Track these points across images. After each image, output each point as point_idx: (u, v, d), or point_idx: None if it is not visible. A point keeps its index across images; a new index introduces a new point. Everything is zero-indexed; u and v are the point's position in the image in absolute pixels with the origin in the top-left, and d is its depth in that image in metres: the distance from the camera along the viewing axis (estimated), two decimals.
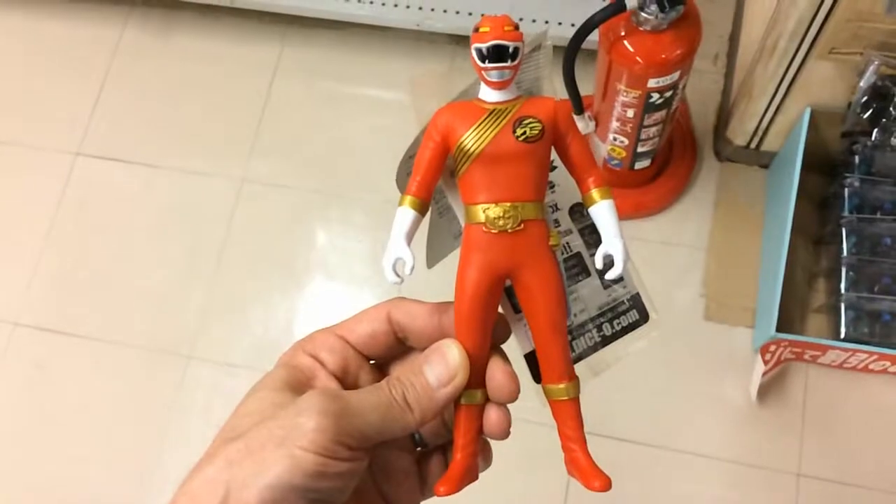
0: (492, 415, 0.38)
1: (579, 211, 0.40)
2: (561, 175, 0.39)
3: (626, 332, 0.42)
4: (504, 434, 0.38)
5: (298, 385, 0.36)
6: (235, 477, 0.31)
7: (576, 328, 0.41)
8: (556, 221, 0.41)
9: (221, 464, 0.32)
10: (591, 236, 0.39)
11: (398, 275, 0.37)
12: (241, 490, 0.31)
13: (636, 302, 0.42)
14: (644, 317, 0.43)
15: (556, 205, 0.41)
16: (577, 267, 0.41)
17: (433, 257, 0.40)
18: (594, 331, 0.42)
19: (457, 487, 0.37)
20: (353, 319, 0.40)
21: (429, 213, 0.40)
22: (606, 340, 0.42)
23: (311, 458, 0.31)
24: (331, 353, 0.38)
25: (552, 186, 0.40)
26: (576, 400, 0.38)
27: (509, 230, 0.35)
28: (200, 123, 1.39)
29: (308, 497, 0.31)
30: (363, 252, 1.27)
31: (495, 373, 0.37)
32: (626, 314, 0.42)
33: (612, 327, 0.42)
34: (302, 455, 0.31)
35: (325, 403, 0.33)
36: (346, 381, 0.38)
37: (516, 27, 0.35)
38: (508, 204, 0.35)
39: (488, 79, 0.36)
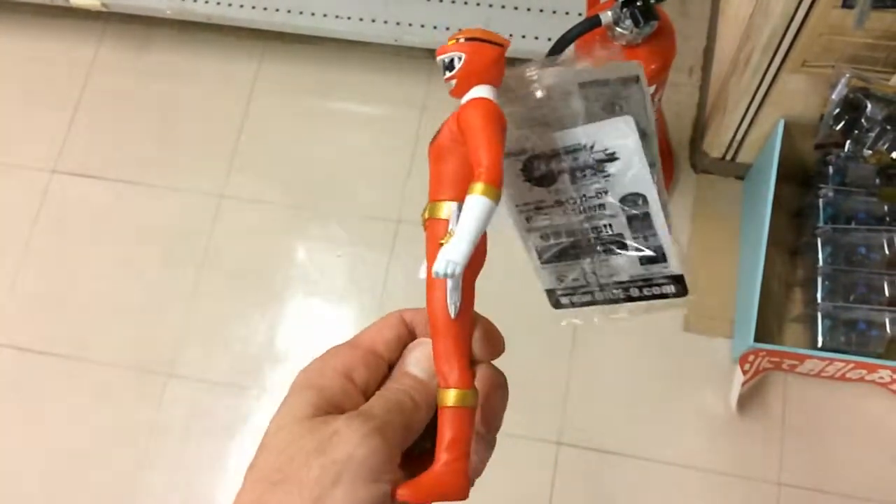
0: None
1: (632, 200, 0.41)
2: (616, 166, 0.39)
3: (655, 299, 0.43)
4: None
5: (329, 407, 0.34)
6: None
7: (599, 288, 0.44)
8: (603, 206, 0.41)
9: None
10: (636, 223, 0.40)
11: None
12: None
13: (676, 280, 0.44)
14: (681, 292, 0.43)
15: (605, 191, 0.41)
16: (617, 244, 0.42)
17: None
18: (619, 291, 0.43)
19: (422, 497, 0.33)
20: (372, 330, 0.38)
21: None
22: (631, 300, 0.43)
23: (373, 488, 0.31)
24: (364, 368, 0.37)
25: (607, 175, 0.40)
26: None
27: (424, 229, 0.36)
28: (178, 140, 1.39)
29: None
30: (343, 267, 1.27)
31: (476, 330, 0.37)
32: (661, 287, 0.44)
33: (641, 292, 0.43)
34: (367, 486, 0.31)
35: (365, 426, 0.32)
36: (372, 391, 0.37)
37: (471, 38, 0.36)
38: (427, 203, 0.36)
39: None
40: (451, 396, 0.34)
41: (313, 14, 1.31)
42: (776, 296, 1.17)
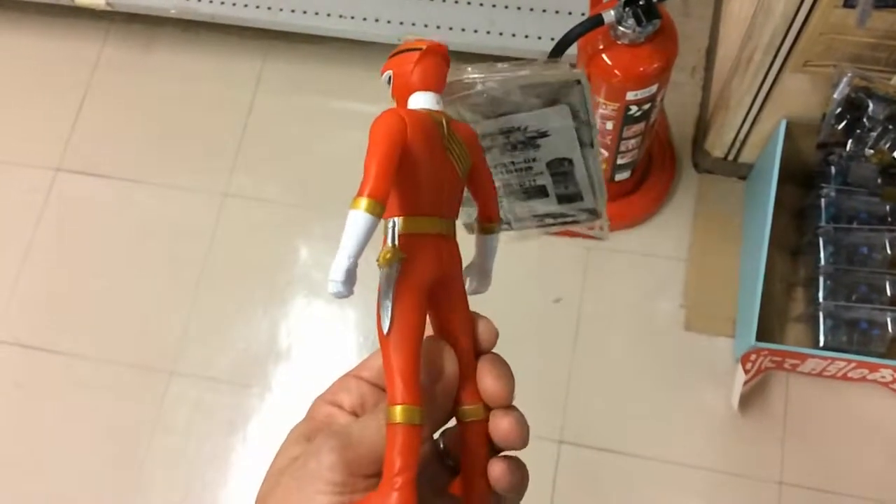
0: (501, 421, 0.35)
1: (558, 162, 0.47)
2: (546, 140, 0.44)
3: (567, 224, 0.51)
4: (517, 438, 0.35)
5: (317, 433, 0.36)
6: None
7: (515, 219, 0.51)
8: (530, 168, 0.48)
9: None
10: (560, 177, 0.48)
11: None
12: None
13: (590, 211, 0.51)
14: (591, 218, 0.51)
15: (534, 158, 0.47)
16: (539, 192, 0.50)
17: None
18: (533, 221, 0.51)
19: None
20: (368, 358, 0.40)
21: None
22: (545, 226, 0.52)
23: (327, 500, 0.32)
24: (347, 393, 0.38)
25: (537, 147, 0.46)
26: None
27: None
28: (182, 138, 1.39)
29: None
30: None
31: (485, 378, 0.36)
32: (574, 216, 0.51)
33: (555, 221, 0.51)
34: (320, 498, 0.32)
35: (329, 442, 0.33)
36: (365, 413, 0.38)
37: (394, 53, 0.38)
38: None
39: None
40: (394, 413, 0.33)
41: (317, 13, 1.31)
42: (778, 295, 1.17)
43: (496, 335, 0.37)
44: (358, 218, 0.31)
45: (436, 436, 0.38)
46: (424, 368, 0.35)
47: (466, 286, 0.38)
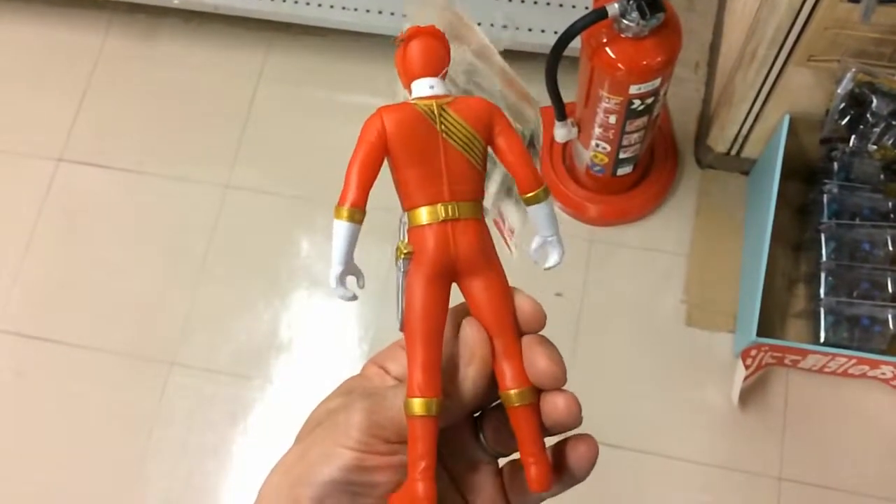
0: (557, 399, 0.35)
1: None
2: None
3: None
4: (575, 418, 0.35)
5: (359, 390, 0.38)
6: (293, 478, 0.34)
7: None
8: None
9: (283, 468, 0.35)
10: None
11: None
12: (298, 488, 0.34)
13: None
14: None
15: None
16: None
17: None
18: None
19: None
20: None
21: None
22: None
23: (348, 454, 0.33)
24: (394, 363, 0.39)
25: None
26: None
27: None
28: (184, 130, 1.39)
29: (351, 490, 0.34)
30: None
31: (537, 357, 0.36)
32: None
33: None
34: (341, 451, 0.34)
35: (361, 402, 0.35)
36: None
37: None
38: None
39: None
40: (412, 406, 0.33)
41: (320, 5, 1.31)
42: (779, 291, 1.17)
43: (542, 315, 0.37)
44: (338, 227, 0.34)
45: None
46: (455, 352, 0.35)
47: (542, 263, 0.37)
